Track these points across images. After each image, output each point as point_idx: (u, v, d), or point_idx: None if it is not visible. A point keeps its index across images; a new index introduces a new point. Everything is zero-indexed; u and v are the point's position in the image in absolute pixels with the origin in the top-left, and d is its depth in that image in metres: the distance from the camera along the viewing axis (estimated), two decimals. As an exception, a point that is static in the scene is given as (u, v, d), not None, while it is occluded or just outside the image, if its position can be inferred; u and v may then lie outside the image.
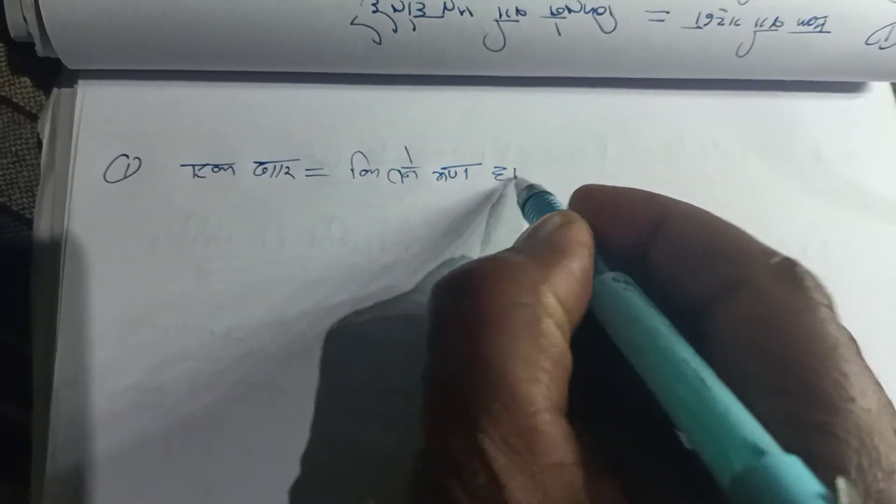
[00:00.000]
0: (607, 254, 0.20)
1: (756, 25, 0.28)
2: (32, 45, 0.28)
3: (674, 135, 0.30)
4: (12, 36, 0.28)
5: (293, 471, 0.26)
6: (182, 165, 0.29)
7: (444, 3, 0.27)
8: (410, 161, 0.29)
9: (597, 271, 0.19)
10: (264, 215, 0.28)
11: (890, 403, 0.15)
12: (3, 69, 0.31)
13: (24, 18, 0.27)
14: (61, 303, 0.27)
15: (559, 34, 0.27)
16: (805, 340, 0.15)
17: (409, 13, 0.27)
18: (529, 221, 0.25)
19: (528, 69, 0.29)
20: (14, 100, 0.31)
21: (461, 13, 0.27)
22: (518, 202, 0.27)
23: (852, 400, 0.14)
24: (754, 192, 0.30)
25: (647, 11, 0.27)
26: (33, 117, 0.31)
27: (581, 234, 0.19)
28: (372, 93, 0.30)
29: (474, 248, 0.29)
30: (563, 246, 0.18)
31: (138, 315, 0.27)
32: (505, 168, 0.29)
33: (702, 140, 0.31)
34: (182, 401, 0.26)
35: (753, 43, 0.28)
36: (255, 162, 0.29)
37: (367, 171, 0.29)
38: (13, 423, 0.28)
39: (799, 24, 0.28)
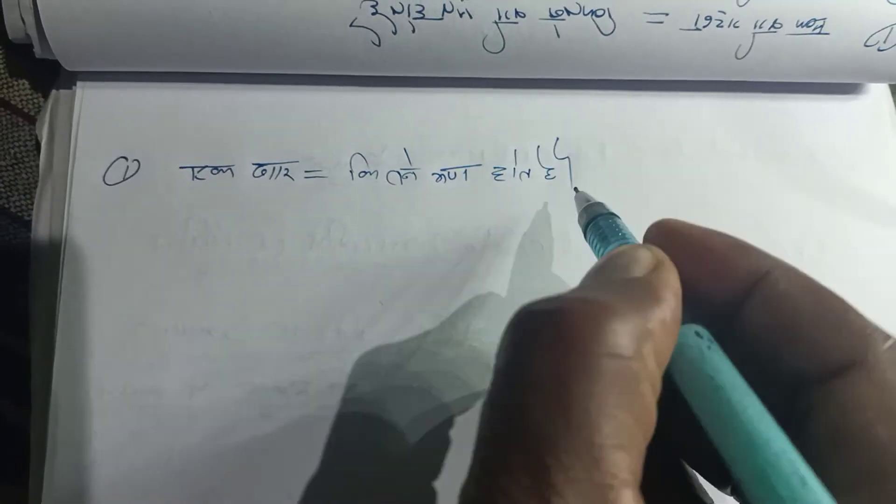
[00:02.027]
0: (687, 303, 0.17)
1: (755, 27, 0.28)
2: (30, 47, 0.28)
3: (672, 136, 0.30)
4: (10, 38, 0.28)
5: (294, 472, 0.26)
6: (181, 167, 0.29)
7: (444, 5, 0.27)
8: (410, 162, 0.29)
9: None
10: (263, 217, 0.28)
11: None
12: (1, 71, 0.31)
13: (23, 20, 0.27)
14: (60, 305, 0.27)
15: (558, 36, 0.27)
16: None
17: (409, 15, 0.27)
18: (593, 245, 0.23)
19: (527, 71, 0.29)
20: (12, 102, 0.31)
21: (460, 15, 0.27)
22: (579, 222, 0.24)
23: None
24: (752, 193, 0.30)
25: (645, 13, 0.27)
26: (32, 120, 0.30)
27: (675, 280, 0.17)
28: (371, 95, 0.30)
29: (475, 251, 0.29)
30: (659, 293, 0.16)
31: (137, 317, 0.27)
32: (505, 168, 0.29)
33: (700, 141, 0.31)
34: (181, 402, 0.26)
35: (752, 45, 0.28)
36: (254, 164, 0.29)
37: (366, 172, 0.29)
38: (12, 425, 0.28)
39: (798, 26, 0.28)
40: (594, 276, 0.18)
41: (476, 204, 0.29)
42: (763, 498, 0.13)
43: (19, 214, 0.30)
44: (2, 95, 0.31)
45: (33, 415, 0.27)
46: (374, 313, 0.28)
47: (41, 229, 0.29)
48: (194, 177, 0.29)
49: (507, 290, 0.28)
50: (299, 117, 0.29)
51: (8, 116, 0.31)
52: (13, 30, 0.27)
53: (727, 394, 0.15)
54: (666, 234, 0.19)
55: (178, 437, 0.26)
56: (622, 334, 0.14)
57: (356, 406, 0.27)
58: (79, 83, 0.29)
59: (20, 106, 0.31)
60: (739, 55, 0.28)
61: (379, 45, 0.27)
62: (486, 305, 0.28)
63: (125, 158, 0.29)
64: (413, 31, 0.27)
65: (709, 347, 0.16)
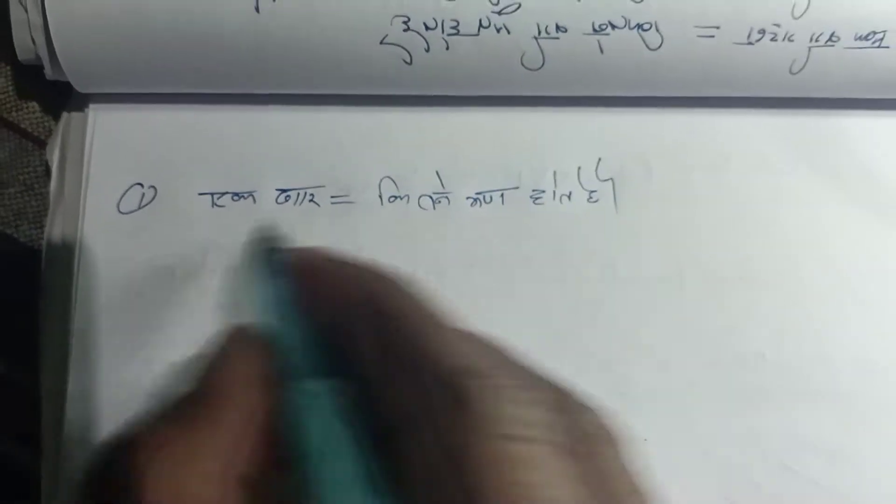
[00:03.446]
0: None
1: (811, 41, 0.26)
2: (41, 67, 0.26)
3: (721, 154, 0.29)
4: (20, 58, 0.26)
5: None
6: (200, 194, 0.27)
7: (480, 20, 0.25)
8: (443, 186, 0.28)
9: (294, 376, 0.16)
10: (289, 244, 0.27)
11: None
12: (10, 93, 0.29)
13: (33, 40, 0.25)
14: (73, 339, 0.26)
15: (602, 52, 0.26)
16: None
17: (443, 31, 0.25)
18: (257, 285, 0.20)
19: (568, 88, 0.27)
20: (21, 125, 0.29)
21: (497, 31, 0.25)
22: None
23: None
24: (805, 210, 0.29)
25: (695, 27, 0.25)
26: (42, 144, 0.29)
27: (248, 366, 0.15)
28: (400, 114, 0.28)
29: (512, 279, 0.27)
30: (225, 393, 0.15)
31: (153, 353, 0.26)
32: (544, 191, 0.28)
33: (750, 158, 0.29)
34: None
35: (808, 59, 0.26)
36: (277, 189, 0.27)
37: (396, 197, 0.27)
38: (22, 466, 0.27)
39: (856, 39, 0.26)
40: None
41: (514, 229, 0.27)
42: None
43: (29, 245, 0.28)
44: (11, 118, 0.29)
45: (43, 457, 0.25)
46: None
47: (52, 261, 0.27)
48: (214, 204, 0.27)
49: (547, 321, 0.27)
50: (324, 139, 0.28)
51: (17, 140, 0.29)
52: (23, 50, 0.26)
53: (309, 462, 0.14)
54: (296, 266, 0.18)
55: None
56: (194, 468, 0.14)
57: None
58: (91, 105, 0.27)
59: (30, 129, 0.29)
60: (794, 70, 0.27)
61: (410, 64, 0.26)
62: (525, 336, 0.26)
63: (141, 185, 0.27)
64: (447, 48, 0.25)
65: (317, 401, 0.15)
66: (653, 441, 0.26)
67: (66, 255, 0.27)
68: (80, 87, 0.26)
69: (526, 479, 0.12)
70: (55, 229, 0.27)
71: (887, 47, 0.26)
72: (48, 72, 0.26)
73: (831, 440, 0.26)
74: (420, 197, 0.28)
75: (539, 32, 0.25)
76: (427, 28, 0.25)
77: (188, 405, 0.15)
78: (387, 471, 0.14)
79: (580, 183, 0.28)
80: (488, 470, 0.12)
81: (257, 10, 0.24)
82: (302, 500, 0.14)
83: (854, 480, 0.26)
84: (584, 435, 0.14)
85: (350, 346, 0.15)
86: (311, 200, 0.27)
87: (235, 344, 0.16)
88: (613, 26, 0.25)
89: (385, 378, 0.14)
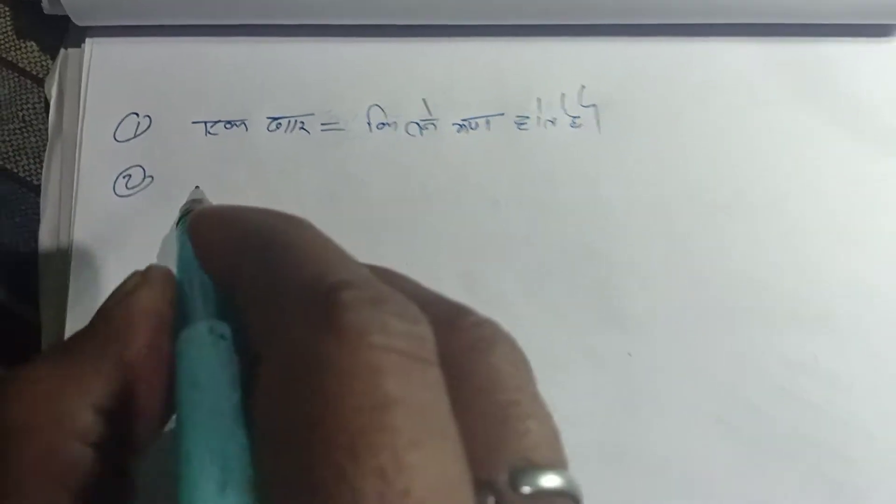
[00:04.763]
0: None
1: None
2: (38, 2, 0.27)
3: (704, 81, 0.29)
4: (18, -7, 0.27)
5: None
6: (194, 123, 0.28)
7: (463, -56, 0.26)
8: (429, 113, 0.28)
9: (193, 318, 0.16)
10: (280, 172, 0.27)
11: None
12: (9, 34, 0.30)
13: (30, -28, 0.26)
14: (72, 265, 0.26)
15: (583, -25, 0.26)
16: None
17: (427, -44, 0.26)
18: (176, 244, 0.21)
19: (554, 16, 0.28)
20: (20, 64, 0.30)
21: (480, -45, 0.26)
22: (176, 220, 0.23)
23: None
24: (790, 136, 0.29)
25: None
26: (40, 82, 0.30)
27: (145, 302, 0.16)
28: (388, 45, 0.29)
29: (498, 202, 0.27)
30: (115, 328, 0.16)
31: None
32: (528, 117, 0.28)
33: (734, 86, 0.29)
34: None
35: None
36: (268, 118, 0.28)
37: (384, 124, 0.28)
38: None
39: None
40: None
41: (500, 156, 0.28)
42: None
43: (28, 178, 0.29)
44: (9, 58, 0.30)
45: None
46: (398, 270, 0.27)
47: (51, 193, 0.28)
48: (207, 132, 0.28)
49: (534, 245, 0.27)
50: (314, 69, 0.28)
51: (15, 79, 0.30)
52: (20, -18, 0.26)
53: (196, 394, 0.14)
54: (192, 221, 0.18)
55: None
56: (40, 403, 0.14)
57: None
58: (88, 39, 0.28)
59: (28, 68, 0.30)
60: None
61: (396, -10, 0.26)
62: (514, 260, 0.27)
63: (136, 115, 0.28)
64: (432, -27, 0.26)
65: (214, 345, 0.15)
66: (642, 361, 0.26)
67: (64, 186, 0.27)
68: (77, 19, 0.27)
69: (386, 387, 0.11)
70: (54, 160, 0.28)
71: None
72: (46, 6, 0.27)
73: (825, 363, 0.27)
74: (408, 124, 0.28)
75: (521, -43, 0.26)
76: (411, -46, 0.26)
77: (72, 340, 0.16)
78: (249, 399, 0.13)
79: (564, 109, 0.29)
80: (349, 379, 0.11)
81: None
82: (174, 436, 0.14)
83: (850, 404, 0.26)
84: (463, 347, 0.13)
85: (238, 286, 0.15)
86: (301, 128, 0.28)
87: (136, 283, 0.17)
88: (593, -51, 0.26)
89: (256, 304, 0.14)
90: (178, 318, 0.17)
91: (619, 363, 0.26)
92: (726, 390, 0.26)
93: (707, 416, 0.26)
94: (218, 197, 0.27)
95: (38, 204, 0.28)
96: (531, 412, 0.13)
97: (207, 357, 0.15)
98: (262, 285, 0.14)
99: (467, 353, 0.13)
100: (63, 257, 0.26)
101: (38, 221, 0.28)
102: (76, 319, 0.26)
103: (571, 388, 0.25)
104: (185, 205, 0.23)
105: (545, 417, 0.13)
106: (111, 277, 0.26)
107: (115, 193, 0.27)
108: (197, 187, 0.25)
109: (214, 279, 0.17)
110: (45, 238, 0.27)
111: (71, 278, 0.26)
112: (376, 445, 0.10)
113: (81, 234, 0.26)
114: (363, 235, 0.27)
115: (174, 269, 0.18)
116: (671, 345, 0.26)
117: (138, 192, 0.27)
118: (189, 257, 0.18)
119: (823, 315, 0.27)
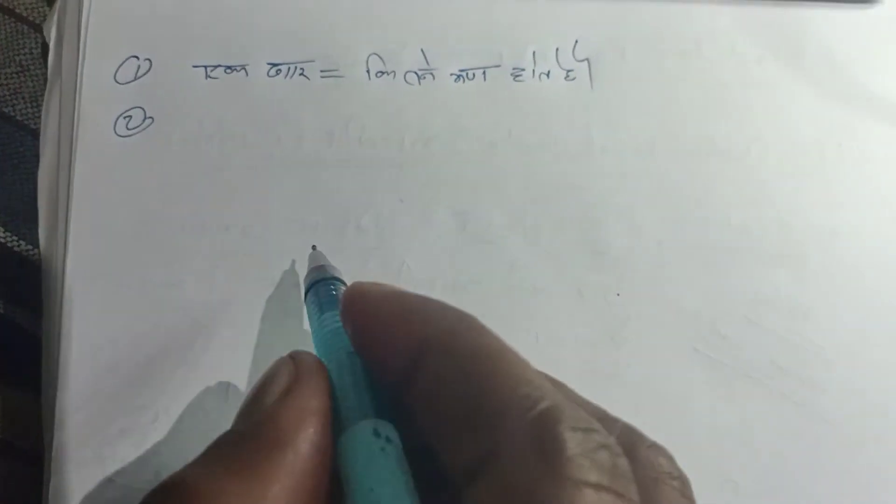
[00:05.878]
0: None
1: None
2: (38, -56, 0.27)
3: (692, 40, 0.30)
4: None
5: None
6: (194, 66, 0.28)
7: None
8: (427, 63, 0.29)
9: (353, 416, 0.15)
10: (280, 116, 0.28)
11: None
12: (6, -22, 0.30)
13: None
14: (72, 201, 0.26)
15: (578, -72, 0.27)
16: None
17: None
18: (311, 320, 0.20)
19: (546, -34, 0.29)
20: (17, 10, 0.30)
21: None
22: (304, 282, 0.22)
23: None
24: (771, 95, 0.30)
25: None
26: (37, 27, 0.30)
27: (309, 401, 0.15)
28: (387, -4, 0.29)
29: (497, 149, 0.28)
30: (285, 432, 0.14)
31: (154, 212, 0.26)
32: (524, 69, 0.29)
33: (718, 45, 0.30)
34: (202, 298, 0.26)
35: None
36: (268, 63, 0.28)
37: (383, 72, 0.29)
38: (26, 332, 0.27)
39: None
40: (237, 418, 0.16)
41: (496, 105, 0.29)
42: None
43: (25, 122, 0.29)
44: (6, 4, 0.30)
45: (45, 315, 0.26)
46: (395, 210, 0.27)
47: (50, 132, 0.28)
48: (207, 76, 0.28)
49: (527, 188, 0.28)
50: (315, 16, 0.29)
51: (12, 24, 0.30)
52: (21, -79, 0.27)
53: None
54: (350, 301, 0.17)
55: (199, 329, 0.25)
56: None
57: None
58: (88, -18, 0.28)
59: (25, 14, 0.30)
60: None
61: (397, -61, 0.27)
62: (507, 201, 0.28)
63: (136, 57, 0.28)
64: (432, -78, 0.27)
65: (382, 449, 0.14)
66: (626, 296, 0.27)
67: (63, 128, 0.27)
68: (77, -39, 0.27)
69: None
70: (53, 103, 0.28)
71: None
72: (45, -52, 0.27)
73: (790, 297, 0.28)
74: (406, 73, 0.29)
75: None
76: None
77: (244, 447, 0.14)
78: None
79: (558, 62, 0.29)
80: None
81: None
82: None
83: (811, 334, 0.28)
84: (647, 479, 0.13)
85: (407, 388, 0.15)
86: (301, 74, 0.28)
87: (291, 377, 0.15)
88: None
89: (454, 415, 0.14)
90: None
91: (602, 297, 0.27)
92: (701, 321, 0.27)
93: (683, 345, 0.27)
94: (218, 140, 0.27)
95: (35, 146, 0.28)
96: None
97: (378, 463, 0.14)
98: (461, 396, 0.14)
99: (651, 486, 0.13)
100: (62, 196, 0.27)
101: (36, 163, 0.28)
102: (77, 258, 0.26)
103: (557, 316, 0.27)
104: (309, 274, 0.21)
105: None
106: (111, 215, 0.26)
107: (116, 133, 0.27)
108: (314, 247, 0.24)
109: (376, 372, 0.16)
110: (45, 178, 0.27)
111: (71, 216, 0.26)
112: None
113: (82, 172, 0.26)
114: (360, 177, 0.27)
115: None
116: (651, 279, 0.28)
117: (139, 132, 0.27)
118: (339, 343, 0.17)
119: (790, 253, 0.29)
